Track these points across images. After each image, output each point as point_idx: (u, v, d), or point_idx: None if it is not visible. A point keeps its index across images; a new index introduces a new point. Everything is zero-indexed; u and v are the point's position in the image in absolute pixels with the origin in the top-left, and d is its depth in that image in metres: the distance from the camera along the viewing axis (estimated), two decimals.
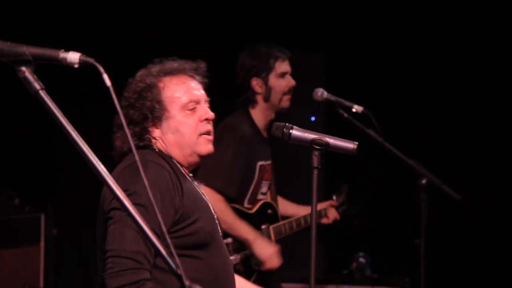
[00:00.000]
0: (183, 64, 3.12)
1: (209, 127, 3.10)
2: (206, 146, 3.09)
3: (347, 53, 6.97)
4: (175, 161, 3.04)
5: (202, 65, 3.16)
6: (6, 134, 6.46)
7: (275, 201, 4.99)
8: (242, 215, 4.64)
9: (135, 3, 6.80)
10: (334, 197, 5.26)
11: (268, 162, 4.84)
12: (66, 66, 2.04)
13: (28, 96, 2.05)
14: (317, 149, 3.01)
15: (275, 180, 5.00)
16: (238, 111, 4.80)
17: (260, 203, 4.80)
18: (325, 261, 6.57)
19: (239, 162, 4.61)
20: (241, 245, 4.61)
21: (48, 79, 2.11)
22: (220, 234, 3.11)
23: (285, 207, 5.11)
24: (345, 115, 4.73)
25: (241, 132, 4.68)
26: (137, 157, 2.09)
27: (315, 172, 2.99)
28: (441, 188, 4.84)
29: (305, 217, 4.96)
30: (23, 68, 2.03)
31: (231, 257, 4.56)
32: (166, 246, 2.77)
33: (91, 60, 2.04)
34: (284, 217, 4.97)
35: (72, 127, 2.00)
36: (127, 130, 2.04)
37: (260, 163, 4.75)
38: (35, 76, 2.03)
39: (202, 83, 3.14)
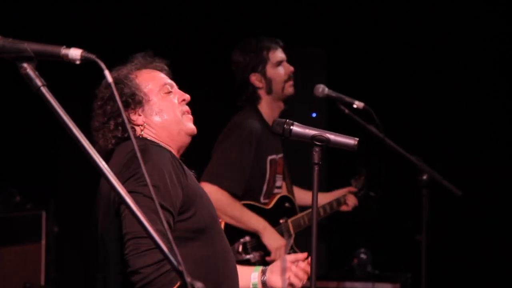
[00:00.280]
0: (146, 59, 3.14)
1: (188, 108, 3.10)
2: (189, 125, 3.08)
3: (348, 49, 6.96)
4: (166, 148, 3.00)
5: (161, 61, 3.18)
6: (7, 132, 6.46)
7: (292, 193, 4.96)
8: (259, 211, 4.63)
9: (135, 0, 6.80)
10: (353, 182, 5.21)
11: (280, 155, 4.83)
12: (68, 62, 2.04)
13: (29, 93, 2.05)
14: (318, 145, 3.01)
15: (289, 171, 4.98)
16: (245, 108, 4.78)
17: (276, 197, 4.78)
18: (326, 257, 6.57)
19: (246, 160, 4.60)
20: (259, 243, 4.60)
21: (50, 75, 2.11)
22: (217, 220, 3.10)
23: (303, 197, 5.07)
24: (346, 111, 4.73)
25: (248, 129, 4.66)
26: (135, 145, 2.07)
27: (316, 168, 3.00)
28: (442, 184, 4.84)
29: (323, 206, 4.95)
30: (25, 65, 2.03)
31: (250, 256, 4.57)
32: (175, 230, 2.82)
33: (92, 56, 2.04)
34: (303, 208, 4.95)
35: (73, 124, 2.00)
36: (126, 121, 2.01)
37: (270, 157, 4.73)
38: (36, 72, 2.03)
39: (167, 74, 3.15)
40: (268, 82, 4.76)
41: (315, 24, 6.93)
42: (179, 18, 6.81)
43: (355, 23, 6.96)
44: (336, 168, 6.49)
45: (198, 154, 3.50)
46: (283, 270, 3.27)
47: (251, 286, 3.26)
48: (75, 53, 2.04)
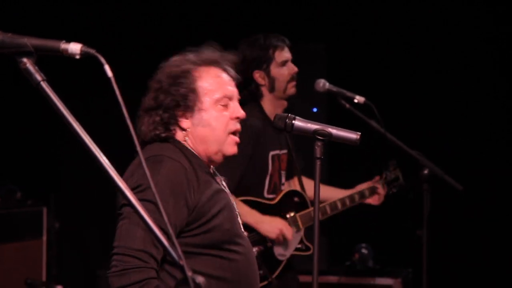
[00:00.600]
0: (219, 54, 3.02)
1: (238, 126, 3.01)
2: (232, 147, 3.00)
3: (348, 44, 6.95)
4: (197, 156, 2.94)
5: (234, 57, 3.07)
6: (7, 128, 6.46)
7: (303, 188, 4.92)
8: (262, 207, 4.62)
9: None
10: (385, 175, 5.12)
11: (284, 151, 4.82)
12: (68, 57, 2.03)
13: (29, 89, 2.05)
14: (320, 140, 3.00)
15: (300, 166, 4.95)
16: (248, 105, 4.76)
17: (282, 192, 4.77)
18: (328, 253, 6.57)
19: (241, 157, 4.58)
20: (259, 238, 4.59)
21: (50, 70, 2.10)
22: (242, 231, 3.03)
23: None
24: (347, 106, 4.72)
25: (246, 126, 4.64)
26: (142, 158, 2.05)
27: (318, 162, 2.99)
28: (443, 179, 4.84)
29: (343, 199, 4.90)
30: (25, 60, 2.02)
31: None
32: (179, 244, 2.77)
33: (92, 51, 2.03)
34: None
35: (74, 119, 1.99)
36: (129, 124, 1.99)
37: (272, 153, 4.72)
38: (36, 67, 2.02)
39: (235, 78, 3.05)
40: (271, 81, 4.74)
41: (315, 19, 6.92)
42: (179, 13, 6.81)
43: (355, 18, 6.96)
44: (337, 162, 6.49)
45: None
46: None
47: None
48: (74, 47, 2.03)
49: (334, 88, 4.74)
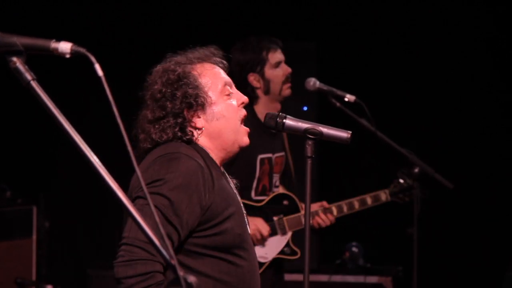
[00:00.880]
0: (204, 51, 3.03)
1: (245, 111, 3.03)
2: (245, 138, 3.00)
3: (339, 42, 6.95)
4: (211, 155, 2.94)
5: (218, 50, 3.07)
6: None
7: (295, 192, 4.90)
8: (248, 208, 4.61)
9: None
10: (401, 181, 5.01)
11: (277, 154, 4.81)
12: (58, 56, 2.02)
13: (19, 88, 2.04)
14: (311, 139, 3.00)
15: (293, 171, 4.94)
16: None
17: (272, 195, 4.76)
18: (318, 251, 6.57)
19: None
20: None
21: (40, 69, 2.09)
22: (250, 236, 3.03)
23: None
24: (338, 104, 4.72)
25: None
26: (133, 159, 2.04)
27: (309, 161, 2.99)
28: (434, 177, 4.84)
29: (350, 203, 4.85)
30: (14, 59, 2.01)
31: None
32: (184, 242, 2.77)
33: (82, 50, 2.02)
34: None
35: (64, 118, 1.98)
36: (120, 123, 1.98)
37: (260, 156, 4.71)
38: (26, 66, 2.01)
39: (226, 68, 3.07)
40: (266, 83, 4.75)
41: (305, 18, 6.92)
42: (168, 13, 6.80)
43: (345, 17, 6.96)
44: (329, 163, 6.49)
45: None
46: None
47: None
48: (65, 46, 2.02)
49: (325, 87, 4.73)
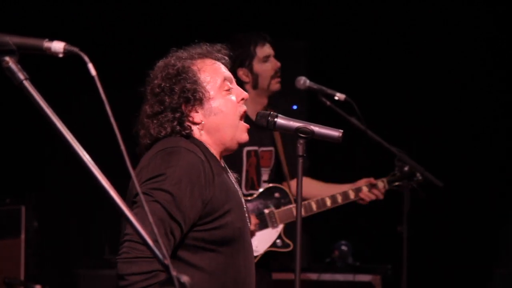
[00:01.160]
0: (208, 47, 3.04)
1: (245, 107, 3.03)
2: (245, 134, 3.01)
3: (330, 41, 6.96)
4: (210, 150, 2.95)
5: (224, 48, 3.09)
6: None
7: (288, 185, 4.90)
8: None
9: None
10: (398, 173, 4.99)
11: (264, 148, 4.81)
12: (51, 56, 2.01)
13: (8, 87, 2.02)
14: (302, 138, 3.00)
15: (288, 165, 4.92)
16: None
17: (264, 187, 4.77)
18: (308, 250, 6.58)
19: None
20: None
21: (33, 69, 2.08)
22: (249, 230, 3.04)
23: (310, 187, 4.93)
24: (328, 103, 4.73)
25: None
26: (125, 156, 2.03)
27: (301, 160, 2.99)
28: (423, 175, 4.85)
29: (333, 196, 4.80)
30: (7, 58, 2.00)
31: None
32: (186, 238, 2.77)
33: (75, 49, 2.01)
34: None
35: (57, 118, 1.98)
36: (113, 122, 1.97)
37: (247, 148, 4.72)
38: (19, 66, 2.00)
39: (227, 64, 3.07)
40: (255, 77, 4.76)
41: (297, 16, 6.92)
42: (158, 12, 6.78)
43: (336, 16, 6.96)
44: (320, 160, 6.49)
45: None
46: None
47: None
48: (58, 46, 2.02)
49: (315, 86, 4.74)
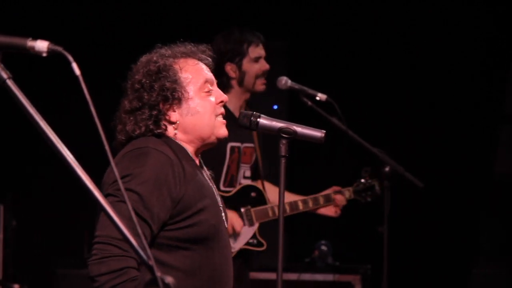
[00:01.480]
0: (192, 47, 3.05)
1: (223, 109, 3.04)
2: (223, 129, 3.02)
3: (311, 41, 6.95)
4: (185, 149, 2.96)
5: (208, 49, 3.10)
6: None
7: (263, 185, 4.90)
8: None
9: None
10: (358, 184, 5.04)
11: (246, 144, 4.81)
12: (35, 55, 2.00)
13: None
14: (284, 138, 3.00)
15: (262, 164, 4.93)
16: None
17: (240, 186, 4.77)
18: (287, 249, 6.57)
19: None
20: None
21: (17, 68, 2.07)
22: (226, 229, 3.04)
23: (269, 192, 4.95)
24: (309, 103, 4.73)
25: None
26: (110, 156, 2.03)
27: (283, 161, 2.99)
28: (404, 176, 4.87)
29: (305, 200, 4.83)
30: None
31: None
32: (157, 237, 2.77)
33: (59, 48, 2.00)
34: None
35: (41, 117, 1.96)
36: (97, 123, 1.97)
37: (231, 144, 4.72)
38: (2, 65, 1.99)
39: (210, 66, 3.08)
40: (242, 74, 4.76)
41: (277, 16, 6.91)
42: (140, 9, 6.77)
43: (317, 15, 6.96)
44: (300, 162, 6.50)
45: None
46: None
47: None
48: (41, 45, 2.01)
49: (296, 86, 4.75)
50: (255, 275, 5.36)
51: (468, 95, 6.78)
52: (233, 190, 4.76)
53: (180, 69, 2.96)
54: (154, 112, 2.91)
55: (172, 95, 2.92)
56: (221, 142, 4.55)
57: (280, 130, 3.01)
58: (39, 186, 6.74)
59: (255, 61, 4.78)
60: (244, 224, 4.73)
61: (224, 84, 4.72)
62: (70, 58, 1.98)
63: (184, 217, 2.83)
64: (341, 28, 6.91)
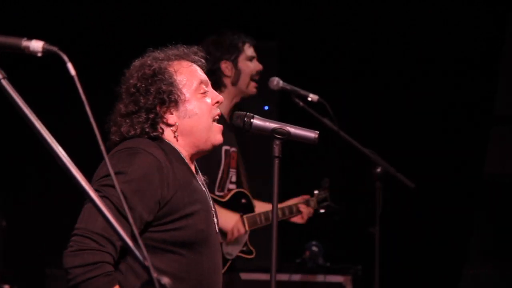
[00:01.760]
0: (185, 49, 3.05)
1: (219, 111, 3.04)
2: (218, 135, 3.01)
3: (301, 41, 6.96)
4: (179, 153, 2.96)
5: (200, 50, 3.10)
6: None
7: (248, 190, 4.91)
8: (216, 203, 4.60)
9: None
10: (316, 192, 5.11)
11: (233, 149, 4.81)
12: (29, 55, 2.00)
13: None
14: (278, 139, 3.00)
15: (244, 168, 4.94)
16: None
17: (233, 192, 4.76)
18: (278, 250, 6.56)
19: None
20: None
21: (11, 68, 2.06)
22: (217, 234, 3.04)
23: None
24: (301, 104, 4.73)
25: None
26: (105, 155, 2.02)
27: (277, 161, 2.99)
28: (395, 177, 4.88)
29: (282, 209, 4.87)
30: None
31: None
32: (145, 239, 2.77)
33: (54, 48, 2.00)
34: None
35: (36, 118, 1.96)
36: (93, 123, 1.96)
37: (225, 147, 4.71)
38: None
39: (204, 67, 3.08)
40: (237, 73, 4.75)
41: (267, 17, 6.91)
42: (131, 11, 6.76)
43: (307, 15, 6.96)
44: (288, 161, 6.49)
45: None
46: None
47: None
48: (36, 45, 2.01)
49: (288, 86, 4.74)
50: (245, 275, 5.35)
51: (459, 96, 6.79)
52: (227, 196, 4.74)
53: (175, 72, 2.96)
54: (151, 116, 2.91)
55: (168, 97, 2.92)
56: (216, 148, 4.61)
57: (274, 130, 3.01)
58: (28, 186, 6.73)
59: (249, 60, 4.78)
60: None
61: (217, 83, 4.71)
62: (65, 58, 1.97)
63: (171, 219, 2.83)
64: (331, 28, 6.92)
